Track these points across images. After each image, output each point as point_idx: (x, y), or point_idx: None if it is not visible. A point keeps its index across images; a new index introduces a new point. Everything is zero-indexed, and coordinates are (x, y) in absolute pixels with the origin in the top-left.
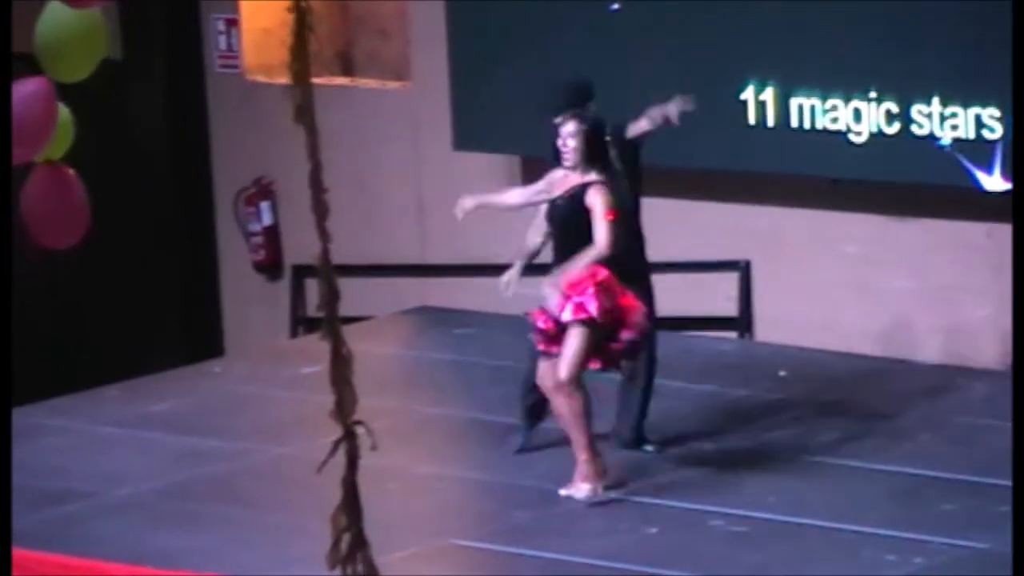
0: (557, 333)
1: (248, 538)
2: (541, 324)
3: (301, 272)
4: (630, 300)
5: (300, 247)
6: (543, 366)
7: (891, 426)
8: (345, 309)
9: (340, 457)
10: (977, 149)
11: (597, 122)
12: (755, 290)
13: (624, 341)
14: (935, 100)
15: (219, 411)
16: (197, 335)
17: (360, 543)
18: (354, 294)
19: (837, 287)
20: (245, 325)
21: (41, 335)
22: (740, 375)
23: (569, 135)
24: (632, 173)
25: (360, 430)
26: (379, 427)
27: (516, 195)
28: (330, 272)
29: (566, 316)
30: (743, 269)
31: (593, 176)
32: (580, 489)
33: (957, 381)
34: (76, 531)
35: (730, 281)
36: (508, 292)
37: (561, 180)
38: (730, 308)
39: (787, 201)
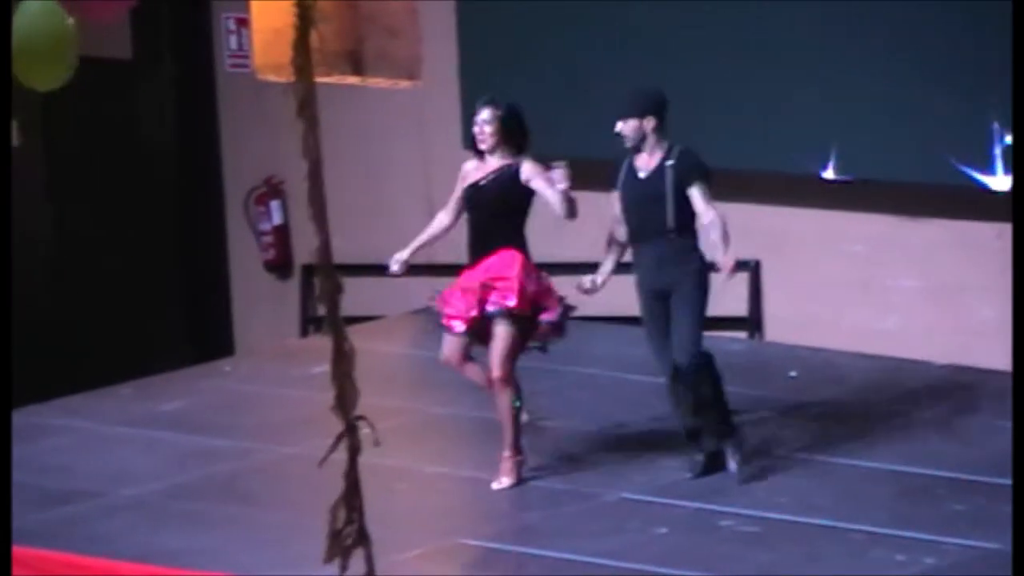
0: (477, 321)
1: (255, 537)
2: (472, 312)
3: (311, 271)
4: (548, 283)
5: (310, 246)
6: (451, 341)
7: (901, 426)
8: (354, 309)
9: (344, 454)
10: (977, 149)
11: (512, 108)
12: (765, 290)
13: (545, 323)
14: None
15: (228, 410)
16: (206, 334)
17: (361, 539)
18: (363, 294)
19: (847, 287)
20: (255, 324)
21: (50, 334)
22: (750, 375)
23: (485, 122)
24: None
25: (364, 428)
26: (388, 426)
27: (444, 215)
28: (331, 267)
29: (490, 311)
30: (753, 269)
31: (516, 158)
32: (500, 482)
33: (967, 381)
34: (83, 530)
35: (740, 281)
36: (593, 290)
37: (476, 168)
38: (740, 308)
39: (796, 201)
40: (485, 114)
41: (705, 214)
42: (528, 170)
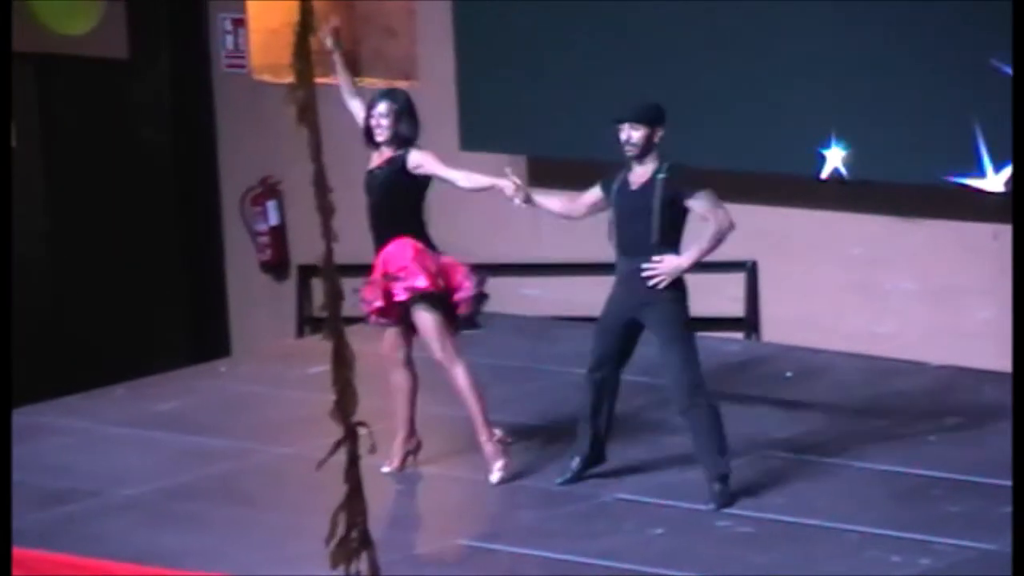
0: (390, 307)
1: (253, 538)
2: (377, 303)
3: (307, 272)
4: (449, 260)
5: (306, 247)
6: (388, 335)
7: (897, 427)
8: (351, 310)
9: (342, 457)
10: (971, 151)
11: (408, 100)
12: (761, 290)
13: (463, 300)
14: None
15: (224, 411)
16: (203, 335)
17: (364, 542)
18: (358, 295)
19: (843, 288)
20: (251, 325)
21: (47, 334)
22: (746, 375)
23: (382, 115)
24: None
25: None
26: (385, 428)
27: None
28: (333, 272)
29: (401, 298)
30: (749, 269)
31: (405, 148)
32: (496, 471)
33: (963, 382)
34: (81, 530)
35: (736, 281)
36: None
37: (375, 157)
38: (736, 308)
39: (793, 202)
40: (382, 107)
41: (714, 218)
42: (416, 158)
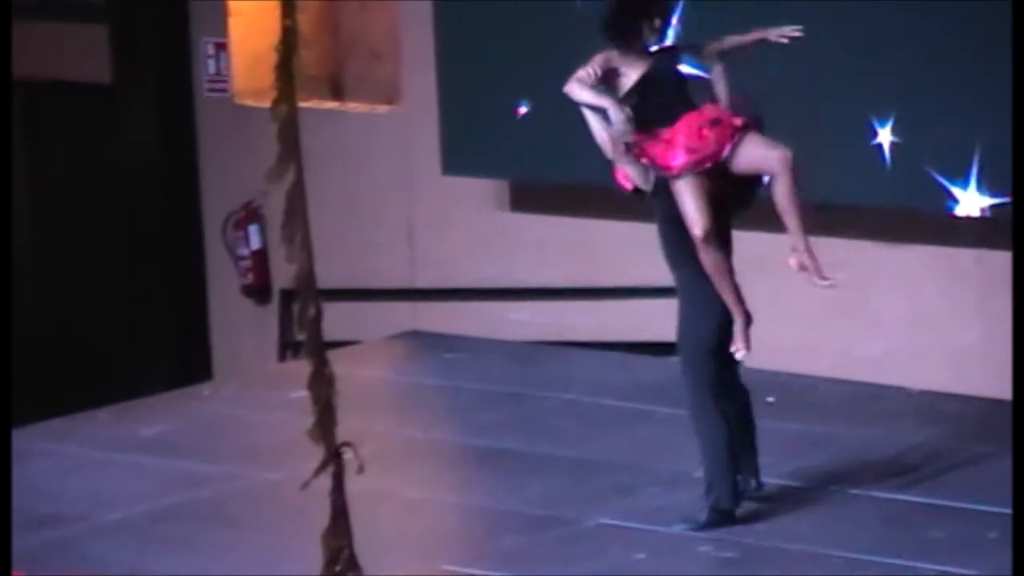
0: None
1: (238, 561)
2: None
3: (289, 296)
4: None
5: (289, 271)
6: None
7: (880, 452)
8: (334, 333)
9: (327, 480)
10: (956, 173)
11: None
12: None
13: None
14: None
15: (208, 434)
16: (186, 358)
17: (352, 565)
18: (343, 318)
19: (826, 312)
20: (233, 349)
21: (30, 358)
22: None
23: None
24: None
25: (347, 454)
26: (369, 451)
27: None
28: (312, 288)
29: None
30: None
31: None
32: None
33: (947, 407)
34: (66, 554)
35: None
36: None
37: None
38: None
39: (777, 226)
40: None
41: None
42: None
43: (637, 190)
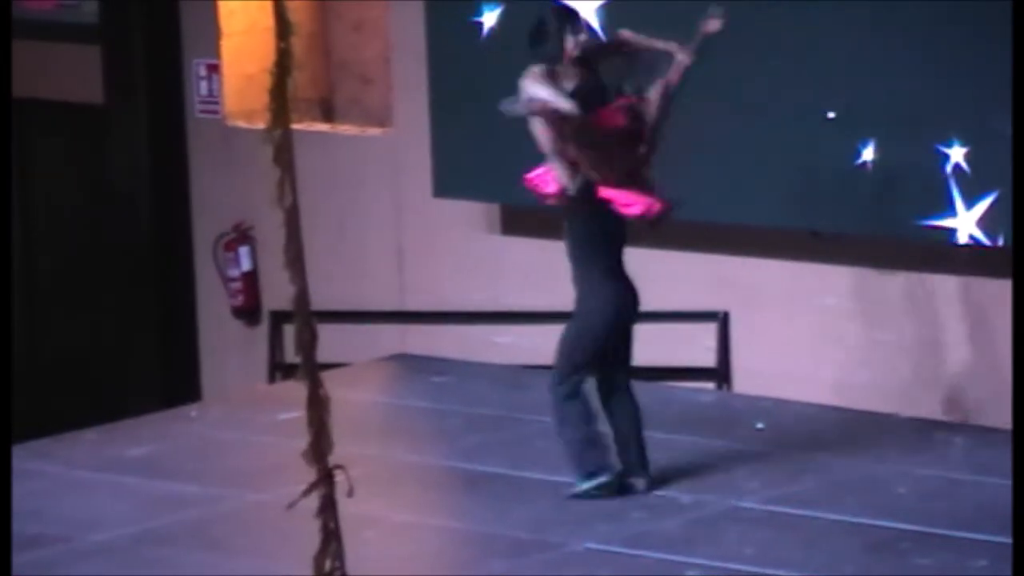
0: None
1: None
2: None
3: (279, 317)
4: None
5: (279, 292)
6: None
7: (867, 479)
8: (323, 355)
9: (313, 502)
10: (941, 203)
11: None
12: (733, 341)
13: None
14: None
15: (195, 456)
16: (174, 379)
17: None
18: (332, 341)
19: (816, 339)
20: (222, 370)
21: (18, 378)
22: (717, 426)
23: None
24: None
25: (338, 476)
26: (356, 474)
27: None
28: (307, 312)
29: None
30: (722, 320)
31: None
32: None
33: (935, 435)
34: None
35: (708, 332)
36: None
37: None
38: (708, 359)
39: (766, 252)
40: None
41: None
42: None
43: (559, 196)
